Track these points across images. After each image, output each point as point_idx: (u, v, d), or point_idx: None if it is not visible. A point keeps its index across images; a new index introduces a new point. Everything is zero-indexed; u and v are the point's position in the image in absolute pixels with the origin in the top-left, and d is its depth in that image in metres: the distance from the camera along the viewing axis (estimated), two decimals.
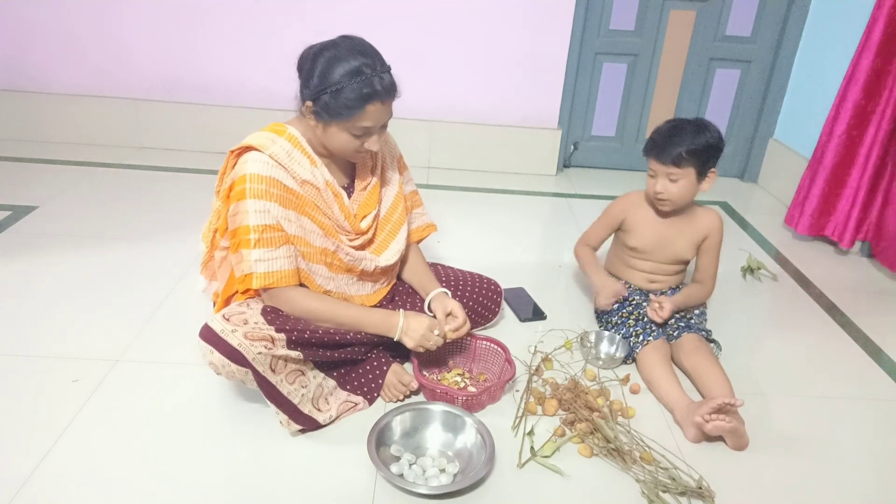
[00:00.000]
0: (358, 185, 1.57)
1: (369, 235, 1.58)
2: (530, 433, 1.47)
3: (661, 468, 1.39)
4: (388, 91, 1.35)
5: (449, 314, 1.59)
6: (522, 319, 1.95)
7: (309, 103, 1.36)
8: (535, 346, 1.78)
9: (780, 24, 3.02)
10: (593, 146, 3.33)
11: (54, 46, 2.96)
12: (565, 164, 3.34)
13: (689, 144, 1.63)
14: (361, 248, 1.57)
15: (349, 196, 1.55)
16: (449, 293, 1.66)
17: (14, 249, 2.14)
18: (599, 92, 3.19)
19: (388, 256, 1.61)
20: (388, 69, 1.36)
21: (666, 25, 3.04)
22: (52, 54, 2.97)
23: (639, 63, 3.13)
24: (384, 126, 1.43)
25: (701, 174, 1.69)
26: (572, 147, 3.31)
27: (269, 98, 3.03)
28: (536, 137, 3.16)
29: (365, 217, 1.56)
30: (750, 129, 3.26)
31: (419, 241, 1.78)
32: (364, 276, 1.59)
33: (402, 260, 1.71)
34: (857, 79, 2.37)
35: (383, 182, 1.62)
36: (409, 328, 1.49)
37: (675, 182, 1.68)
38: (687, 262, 1.87)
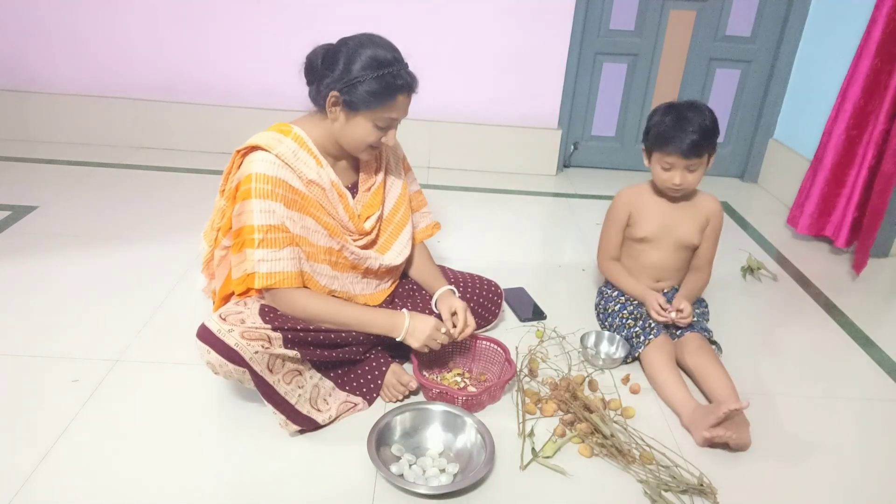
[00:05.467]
0: (362, 185, 1.57)
1: (372, 236, 1.59)
2: (530, 434, 1.47)
3: (662, 466, 1.39)
4: (414, 84, 1.40)
5: (454, 314, 1.59)
6: (522, 319, 1.95)
7: (335, 93, 1.36)
8: (528, 347, 1.76)
9: (780, 24, 3.02)
10: (593, 146, 3.33)
11: (54, 47, 2.96)
12: (565, 164, 3.34)
13: (702, 131, 1.64)
14: (365, 248, 1.57)
15: (353, 197, 1.55)
16: (456, 291, 1.66)
17: (14, 249, 2.14)
18: (599, 92, 3.19)
19: (392, 256, 1.62)
20: (407, 65, 1.40)
21: (666, 25, 3.04)
22: (53, 54, 2.97)
23: (639, 63, 3.13)
24: (399, 122, 1.45)
25: (710, 156, 1.71)
26: (572, 147, 3.31)
27: (270, 98, 3.03)
28: (536, 137, 3.16)
29: (369, 218, 1.57)
30: (750, 129, 3.26)
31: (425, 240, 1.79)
32: (368, 273, 1.60)
33: (409, 259, 1.71)
34: (857, 79, 2.37)
35: (387, 183, 1.63)
36: (416, 329, 1.49)
37: (693, 172, 1.70)
38: (694, 249, 1.84)
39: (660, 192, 1.80)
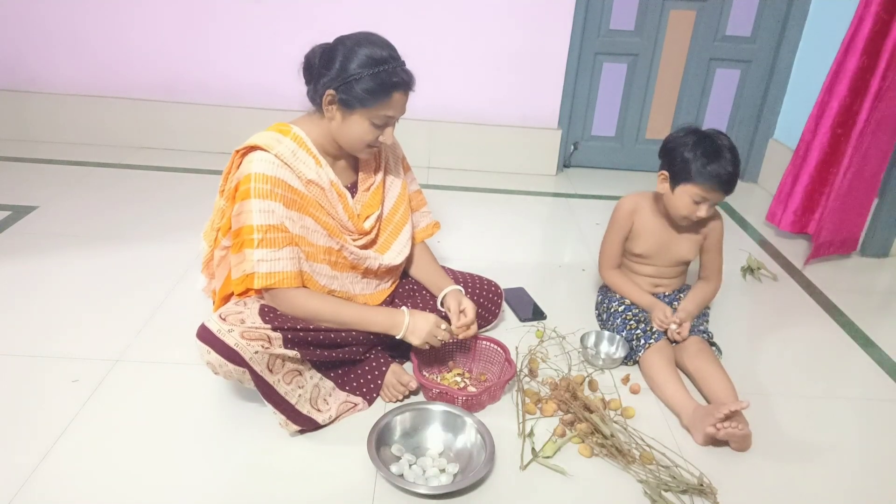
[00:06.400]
0: (361, 185, 1.57)
1: (372, 236, 1.58)
2: (530, 434, 1.47)
3: (662, 466, 1.39)
4: (411, 82, 1.40)
5: (462, 311, 1.59)
6: (522, 319, 1.95)
7: (331, 92, 1.36)
8: (528, 347, 1.76)
9: (780, 24, 3.02)
10: (593, 146, 3.33)
11: (54, 47, 2.96)
12: (565, 164, 3.34)
13: (738, 167, 1.64)
14: (365, 247, 1.57)
15: (353, 196, 1.55)
16: (463, 290, 1.66)
17: (14, 249, 2.14)
18: (599, 92, 3.19)
19: (392, 256, 1.62)
20: (404, 63, 1.40)
21: (666, 25, 3.04)
22: (53, 54, 2.97)
23: (639, 63, 3.13)
24: (396, 120, 1.45)
25: None
26: (572, 147, 3.31)
27: (270, 98, 3.03)
28: (536, 137, 3.16)
29: (368, 217, 1.56)
30: (750, 130, 3.26)
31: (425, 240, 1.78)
32: (368, 273, 1.60)
33: (410, 259, 1.71)
34: (842, 77, 2.37)
35: (386, 182, 1.63)
36: (416, 326, 1.49)
37: (715, 204, 1.70)
38: (689, 263, 1.87)
39: (664, 213, 1.78)
